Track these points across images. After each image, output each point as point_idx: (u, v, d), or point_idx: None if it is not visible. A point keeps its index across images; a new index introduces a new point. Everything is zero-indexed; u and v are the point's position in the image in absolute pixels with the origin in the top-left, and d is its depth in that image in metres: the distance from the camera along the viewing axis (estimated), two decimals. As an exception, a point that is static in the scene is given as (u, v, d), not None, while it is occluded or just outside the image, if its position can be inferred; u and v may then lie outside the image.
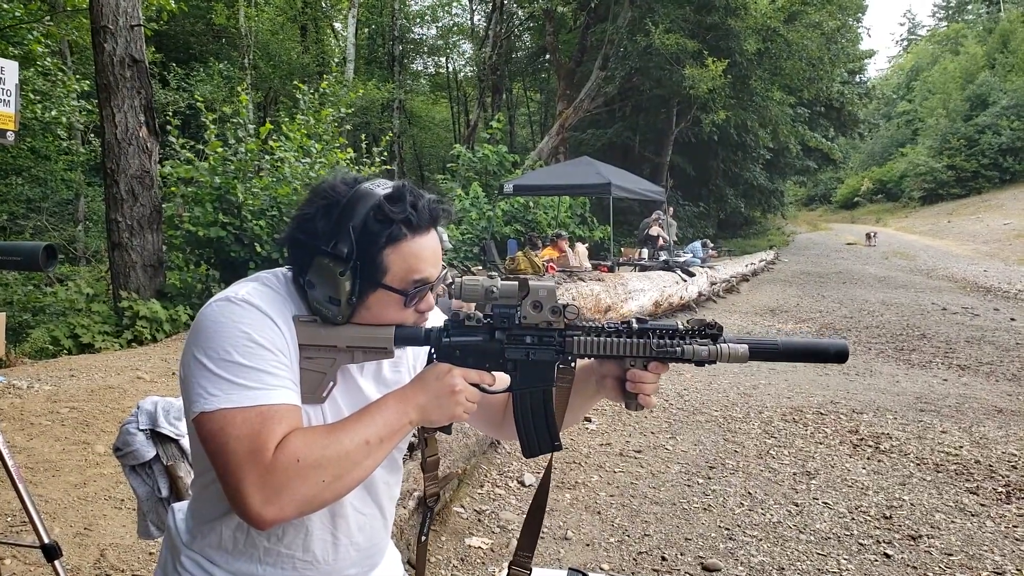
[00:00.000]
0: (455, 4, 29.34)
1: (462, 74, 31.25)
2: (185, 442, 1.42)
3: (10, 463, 1.78)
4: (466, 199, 14.44)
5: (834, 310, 10.68)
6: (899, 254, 21.65)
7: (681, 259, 12.02)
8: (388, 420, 0.94)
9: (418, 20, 28.71)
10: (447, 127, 31.18)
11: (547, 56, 24.60)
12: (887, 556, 2.79)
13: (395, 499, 1.16)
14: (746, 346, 0.98)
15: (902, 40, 69.23)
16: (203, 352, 0.91)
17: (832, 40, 20.71)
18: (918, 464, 3.85)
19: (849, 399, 5.26)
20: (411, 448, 2.42)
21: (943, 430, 4.48)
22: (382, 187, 0.98)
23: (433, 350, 1.02)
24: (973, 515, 3.19)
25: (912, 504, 3.30)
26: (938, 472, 3.73)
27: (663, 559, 2.74)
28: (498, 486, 3.38)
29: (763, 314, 10.29)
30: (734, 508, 3.23)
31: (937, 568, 2.71)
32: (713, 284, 11.71)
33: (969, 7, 53.96)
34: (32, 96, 9.80)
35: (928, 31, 61.34)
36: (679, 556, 2.76)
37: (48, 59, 10.36)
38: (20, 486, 1.76)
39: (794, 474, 3.67)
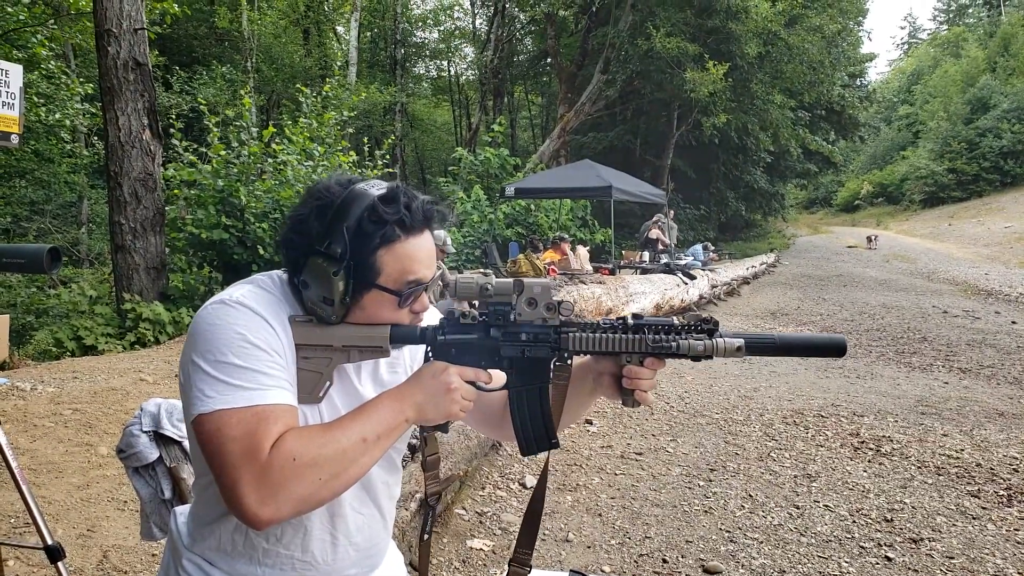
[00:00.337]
0: (457, 8, 29.44)
1: (464, 77, 31.31)
2: (188, 444, 1.43)
3: (13, 464, 1.79)
4: (468, 202, 14.46)
5: (835, 313, 10.67)
6: (900, 257, 21.64)
7: (682, 262, 12.02)
8: (384, 418, 0.95)
9: (420, 24, 28.77)
10: (449, 130, 31.23)
11: (548, 60, 24.64)
12: (888, 559, 2.79)
13: (395, 499, 1.16)
14: (742, 340, 0.97)
15: (903, 43, 69.28)
16: (199, 355, 0.91)
17: (833, 44, 20.73)
18: (919, 467, 3.85)
19: (850, 402, 5.26)
20: (412, 450, 2.43)
21: (944, 433, 4.47)
22: (376, 188, 0.98)
23: (429, 348, 1.03)
24: (974, 518, 3.19)
25: (913, 507, 3.30)
26: (939, 475, 3.73)
27: (664, 561, 2.74)
28: (499, 488, 3.39)
29: (764, 317, 10.29)
30: (735, 510, 3.23)
31: (938, 571, 2.71)
32: (714, 287, 11.72)
33: (970, 10, 54.03)
34: (36, 99, 9.84)
35: (929, 34, 61.40)
36: (680, 558, 2.77)
37: (52, 62, 10.41)
38: (23, 487, 1.77)
39: (795, 477, 3.67)
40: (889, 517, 3.17)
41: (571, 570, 1.35)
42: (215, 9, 19.34)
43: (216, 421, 0.89)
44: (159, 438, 1.44)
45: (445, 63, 31.14)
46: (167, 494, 1.42)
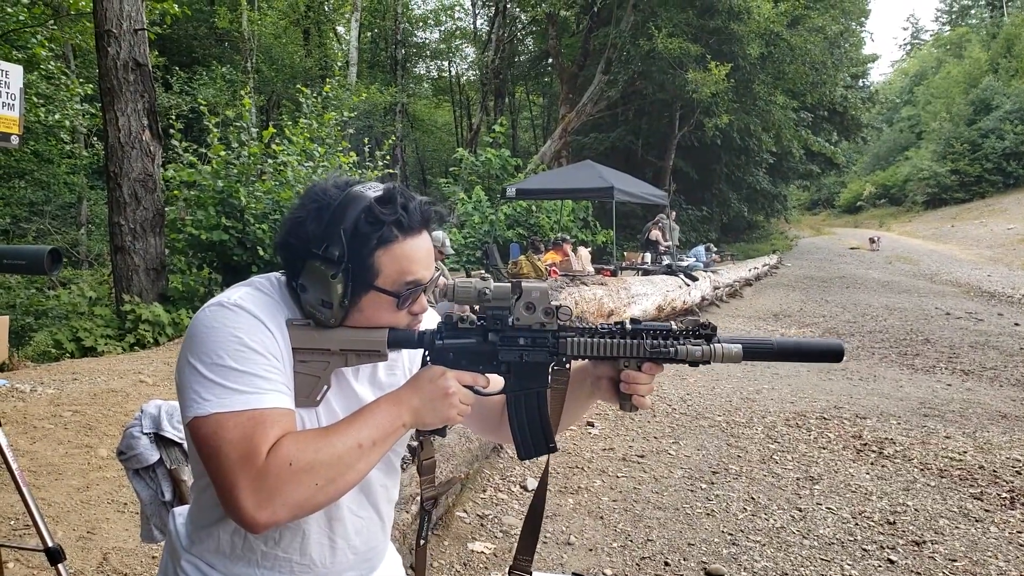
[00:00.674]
0: (458, 8, 29.45)
1: (465, 78, 31.32)
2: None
3: (14, 466, 1.78)
4: (469, 203, 14.46)
5: (837, 315, 10.65)
6: (902, 259, 21.62)
7: (684, 263, 12.01)
8: (381, 423, 0.94)
9: (421, 24, 28.79)
10: (450, 131, 31.24)
11: (550, 60, 24.64)
12: (891, 562, 2.78)
13: (393, 502, 1.15)
14: (740, 346, 0.98)
15: (905, 44, 69.29)
16: (196, 357, 0.91)
17: (835, 44, 20.72)
18: (922, 469, 3.83)
19: (852, 404, 5.25)
20: (413, 453, 2.42)
21: (947, 435, 4.46)
22: (373, 190, 0.98)
23: (427, 353, 1.02)
24: (977, 520, 3.18)
25: (916, 509, 3.28)
26: (942, 477, 3.71)
27: (666, 564, 2.73)
28: (501, 491, 3.38)
29: (766, 318, 10.28)
30: (737, 513, 3.22)
31: (941, 574, 2.69)
32: (716, 288, 11.70)
33: (972, 11, 53.98)
34: (36, 100, 9.84)
35: (932, 35, 61.37)
36: (682, 561, 2.76)
37: (52, 63, 10.42)
38: (24, 489, 1.76)
39: (797, 479, 3.66)
40: (892, 519, 3.16)
41: (573, 573, 1.35)
42: (215, 9, 19.35)
43: (213, 424, 0.88)
44: (159, 440, 1.43)
45: (446, 63, 31.20)
46: (167, 496, 1.41)
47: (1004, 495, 3.46)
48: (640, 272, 11.05)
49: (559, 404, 1.04)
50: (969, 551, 2.88)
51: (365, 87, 19.91)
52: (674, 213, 15.00)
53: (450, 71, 31.45)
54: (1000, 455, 4.05)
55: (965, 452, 4.11)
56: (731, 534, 3.00)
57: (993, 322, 9.83)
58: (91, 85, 10.37)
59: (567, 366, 1.03)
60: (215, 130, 7.72)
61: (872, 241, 25.86)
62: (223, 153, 7.70)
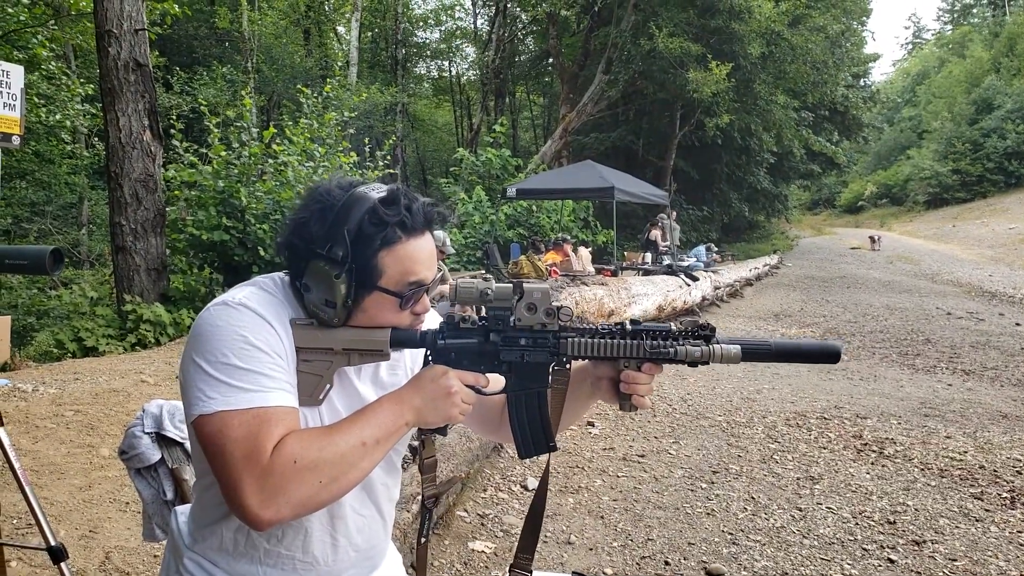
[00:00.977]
0: (458, 8, 29.44)
1: (465, 78, 31.30)
2: (189, 445, 1.43)
3: (16, 466, 1.79)
4: (469, 203, 14.46)
5: (838, 315, 10.65)
6: (903, 258, 21.61)
7: (685, 263, 12.00)
8: (384, 422, 0.95)
9: (421, 24, 28.78)
10: (450, 131, 31.22)
11: (550, 60, 24.62)
12: (891, 561, 2.78)
13: (394, 501, 1.16)
14: (739, 347, 0.99)
15: (907, 44, 69.23)
16: (201, 356, 0.92)
17: (836, 44, 20.69)
18: (922, 469, 3.83)
19: (853, 404, 5.25)
20: (414, 452, 2.43)
21: (947, 435, 4.46)
22: (377, 191, 0.99)
23: (429, 352, 1.03)
24: (977, 520, 3.18)
25: (916, 509, 3.28)
26: (942, 477, 3.71)
27: (666, 564, 2.73)
28: (501, 490, 3.38)
29: (767, 319, 10.28)
30: (737, 513, 3.22)
31: (941, 574, 2.69)
32: (717, 288, 11.70)
33: (974, 11, 53.91)
34: (36, 100, 9.86)
35: (933, 35, 61.32)
36: (682, 561, 2.76)
37: (52, 63, 10.43)
38: (26, 488, 1.77)
39: (797, 479, 3.66)
40: (892, 519, 3.16)
41: (573, 572, 1.36)
42: (215, 9, 19.35)
43: (218, 422, 0.89)
44: (161, 439, 1.43)
45: (446, 63, 31.17)
46: (169, 495, 1.42)
47: (1004, 495, 3.46)
48: (641, 272, 11.05)
49: (559, 404, 1.05)
50: (969, 551, 2.88)
51: (365, 87, 19.91)
52: (675, 213, 14.99)
53: (450, 71, 31.46)
54: (1001, 455, 4.06)
55: (966, 452, 4.11)
56: (731, 533, 3.00)
57: (994, 322, 9.82)
58: (92, 85, 10.39)
59: (567, 366, 1.04)
60: (216, 130, 7.73)
61: (872, 240, 25.81)
62: (224, 153, 7.71)
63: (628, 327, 1.01)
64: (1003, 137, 30.97)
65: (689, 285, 10.09)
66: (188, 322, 6.69)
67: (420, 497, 2.45)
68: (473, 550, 2.76)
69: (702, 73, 16.31)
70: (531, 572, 1.09)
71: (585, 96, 19.53)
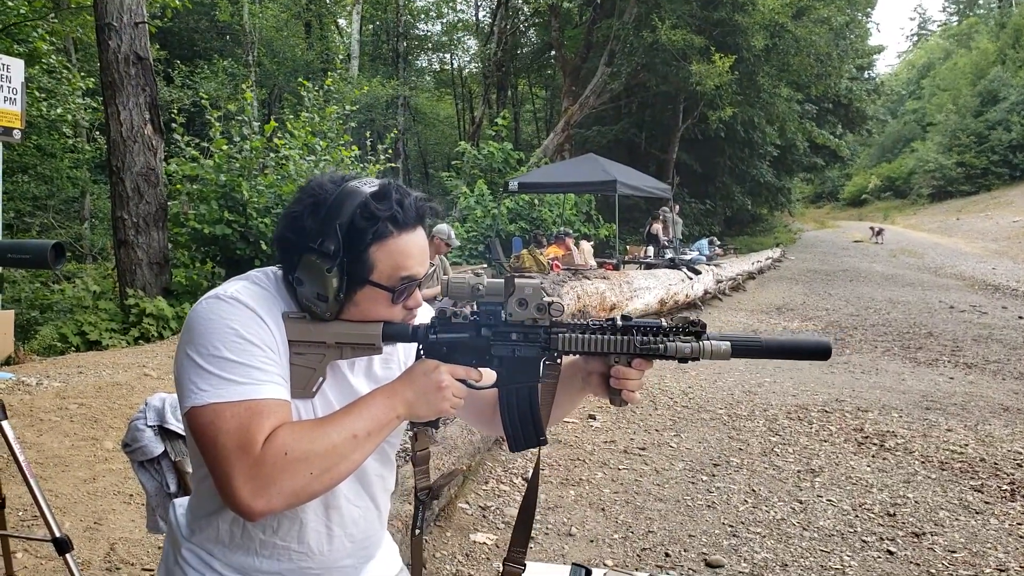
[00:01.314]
0: (460, 0, 29.32)
1: (467, 71, 31.21)
2: (189, 438, 1.44)
3: (21, 458, 1.80)
4: (471, 197, 14.45)
5: (840, 308, 10.64)
6: (907, 252, 21.55)
7: (687, 257, 11.99)
8: (375, 414, 0.96)
9: (423, 16, 28.68)
10: (452, 124, 31.16)
11: (552, 52, 24.50)
12: (890, 553, 2.79)
13: (389, 492, 1.18)
14: (728, 343, 0.99)
15: (912, 35, 68.77)
16: (193, 348, 0.93)
17: (840, 36, 20.57)
18: (923, 462, 3.84)
19: (854, 397, 5.25)
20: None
21: (948, 428, 4.46)
22: (369, 185, 0.99)
23: (420, 346, 1.04)
24: (977, 512, 3.19)
25: (916, 502, 3.29)
26: (943, 470, 3.72)
27: (667, 555, 2.75)
28: (503, 482, 3.40)
29: (769, 312, 10.27)
30: (738, 505, 3.23)
31: (940, 565, 2.70)
32: (719, 282, 11.69)
33: (980, 1, 53.51)
34: (37, 94, 9.86)
35: (939, 26, 60.89)
36: (683, 552, 2.77)
37: (53, 56, 10.42)
38: (31, 481, 1.78)
39: (798, 472, 3.67)
40: (892, 511, 3.17)
41: (573, 563, 1.37)
42: (216, 2, 19.28)
43: (210, 414, 0.90)
44: (164, 432, 1.44)
45: (448, 56, 31.07)
46: (172, 487, 1.43)
47: (1005, 487, 3.47)
48: (643, 266, 11.04)
49: (550, 398, 1.06)
50: (969, 542, 2.89)
51: (367, 80, 19.88)
52: (677, 206, 14.98)
53: (452, 64, 31.36)
54: (1001, 448, 4.06)
55: (966, 445, 4.12)
56: (732, 526, 3.02)
57: (997, 315, 9.81)
58: (93, 79, 10.39)
59: (558, 361, 1.04)
60: (217, 124, 7.72)
61: (873, 230, 25.57)
62: (225, 147, 7.71)
63: (619, 323, 1.02)
64: (1008, 129, 30.81)
65: (691, 279, 10.08)
66: (190, 316, 6.70)
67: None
68: (475, 542, 2.78)
69: (705, 66, 16.24)
70: (524, 565, 1.10)
71: (587, 89, 19.46)
